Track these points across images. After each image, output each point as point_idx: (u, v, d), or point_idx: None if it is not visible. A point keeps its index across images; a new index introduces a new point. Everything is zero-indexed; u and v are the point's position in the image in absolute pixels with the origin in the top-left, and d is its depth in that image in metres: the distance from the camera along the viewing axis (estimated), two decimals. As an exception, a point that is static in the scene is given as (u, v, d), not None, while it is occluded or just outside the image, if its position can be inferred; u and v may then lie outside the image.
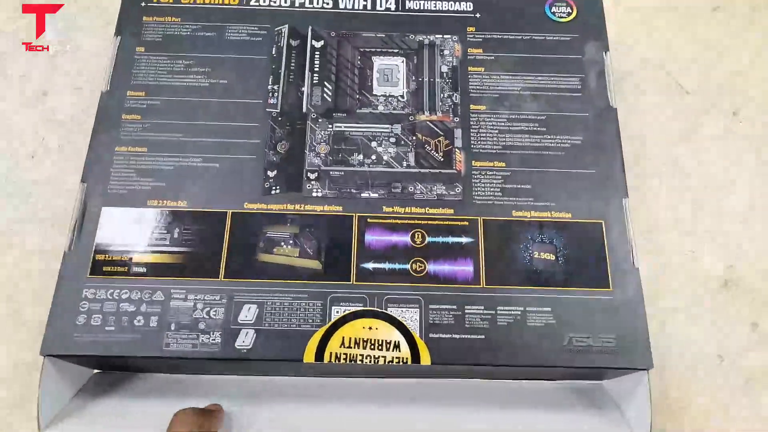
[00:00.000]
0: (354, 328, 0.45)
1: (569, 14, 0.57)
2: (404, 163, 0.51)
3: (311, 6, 0.57)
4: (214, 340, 0.45)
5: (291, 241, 0.48)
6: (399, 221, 0.49)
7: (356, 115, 0.53)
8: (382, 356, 0.45)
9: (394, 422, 0.47)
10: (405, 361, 0.44)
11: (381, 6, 0.58)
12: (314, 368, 0.46)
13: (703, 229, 0.59)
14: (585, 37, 0.56)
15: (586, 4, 0.58)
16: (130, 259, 0.47)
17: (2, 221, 0.57)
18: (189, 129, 0.51)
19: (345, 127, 0.53)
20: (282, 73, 0.54)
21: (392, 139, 0.52)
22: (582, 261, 0.48)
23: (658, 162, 0.62)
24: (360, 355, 0.45)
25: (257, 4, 0.57)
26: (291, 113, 0.53)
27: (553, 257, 0.48)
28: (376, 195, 0.50)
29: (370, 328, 0.45)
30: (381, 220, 0.49)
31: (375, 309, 0.46)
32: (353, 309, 0.46)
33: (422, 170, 0.51)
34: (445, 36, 0.56)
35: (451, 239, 0.49)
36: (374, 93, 0.54)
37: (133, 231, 0.48)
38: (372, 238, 0.48)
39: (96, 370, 0.50)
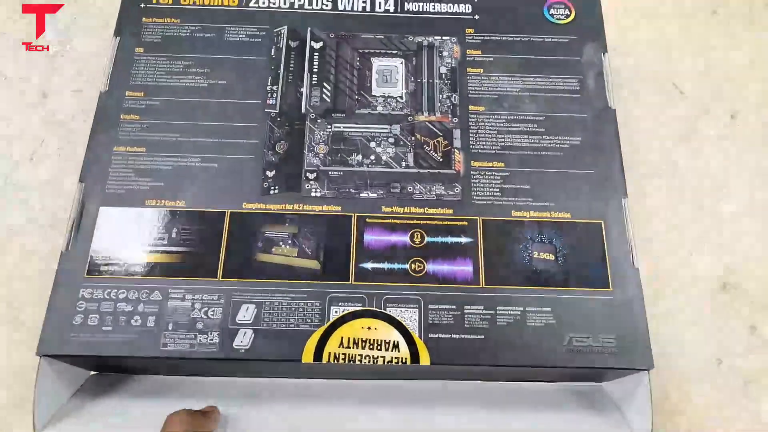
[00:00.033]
0: (353, 328, 0.45)
1: (567, 16, 0.58)
2: (403, 164, 0.51)
3: (310, 7, 0.58)
4: (212, 340, 0.44)
5: (290, 241, 0.48)
6: (398, 221, 0.49)
7: (355, 116, 0.53)
8: (381, 356, 0.44)
9: (394, 424, 0.46)
10: (404, 361, 0.44)
11: (380, 8, 0.58)
12: (313, 368, 0.46)
13: (701, 231, 0.59)
14: (583, 38, 0.56)
15: (585, 6, 0.58)
16: (128, 258, 0.47)
17: (1, 223, 0.57)
18: (188, 129, 0.51)
19: (344, 127, 0.53)
20: (281, 74, 0.54)
21: (391, 140, 0.52)
22: (581, 261, 0.48)
23: (656, 165, 0.62)
24: (359, 355, 0.44)
25: (256, 5, 0.57)
26: (290, 114, 0.53)
27: (552, 257, 0.48)
28: (375, 195, 0.50)
29: (369, 328, 0.45)
30: (380, 220, 0.49)
31: (374, 309, 0.46)
32: (352, 309, 0.46)
33: (421, 170, 0.51)
34: (444, 37, 0.57)
35: (450, 239, 0.48)
36: (373, 94, 0.54)
37: (131, 231, 0.48)
38: (371, 238, 0.48)
39: (93, 372, 0.49)
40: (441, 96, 0.54)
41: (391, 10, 0.58)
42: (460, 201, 0.50)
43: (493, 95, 0.54)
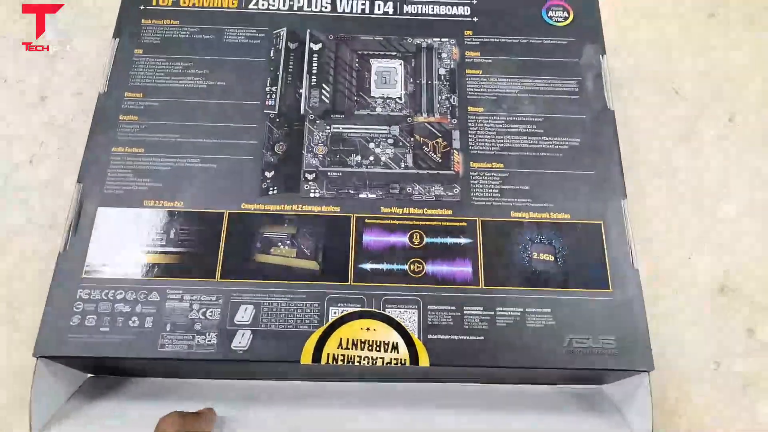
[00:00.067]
0: (352, 329, 0.45)
1: (566, 18, 0.58)
2: (402, 164, 0.51)
3: (309, 9, 0.58)
4: (210, 341, 0.44)
5: (288, 242, 0.48)
6: (397, 222, 0.49)
7: (354, 117, 0.53)
8: (381, 357, 0.44)
9: (393, 425, 0.46)
10: (403, 362, 0.44)
11: (379, 10, 0.58)
12: (312, 370, 0.45)
13: (699, 234, 0.59)
14: (582, 40, 0.57)
15: (583, 8, 0.58)
16: (126, 259, 0.46)
17: (1, 223, 0.57)
18: (186, 130, 0.51)
19: (343, 128, 0.53)
20: (280, 75, 0.54)
21: (390, 141, 0.52)
22: (581, 262, 0.48)
23: (655, 167, 0.62)
24: (358, 356, 0.44)
25: (255, 7, 0.57)
26: (289, 115, 0.53)
27: (552, 258, 0.48)
28: (374, 196, 0.50)
29: (368, 329, 0.45)
30: (379, 221, 0.49)
31: (373, 310, 0.46)
32: (351, 310, 0.46)
33: (420, 171, 0.51)
34: (443, 39, 0.57)
35: (449, 240, 0.48)
36: (372, 95, 0.54)
37: (129, 231, 0.47)
38: (370, 238, 0.48)
39: (90, 375, 0.49)
40: (440, 97, 0.54)
41: (390, 12, 0.58)
42: (459, 202, 0.50)
43: (492, 96, 0.54)
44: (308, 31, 0.56)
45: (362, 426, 0.46)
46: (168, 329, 0.44)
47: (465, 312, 0.46)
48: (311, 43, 0.56)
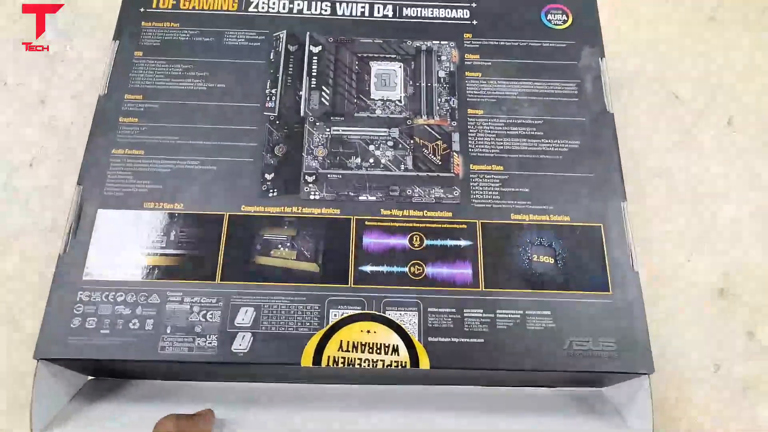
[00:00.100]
0: (352, 331, 0.45)
1: (565, 22, 0.58)
2: (402, 167, 0.51)
3: (309, 12, 0.58)
4: (210, 343, 0.44)
5: (288, 244, 0.48)
6: (397, 224, 0.49)
7: (354, 119, 0.53)
8: (381, 360, 0.44)
9: (393, 428, 0.46)
10: (404, 365, 0.44)
11: (378, 12, 0.58)
12: (312, 372, 0.45)
13: (698, 237, 0.59)
14: (581, 43, 0.57)
15: (582, 12, 0.58)
16: (126, 261, 0.46)
17: (1, 226, 0.57)
18: (186, 132, 0.51)
19: (343, 130, 0.53)
20: (280, 78, 0.54)
21: (390, 143, 0.52)
22: (581, 264, 0.48)
23: (653, 171, 0.62)
24: (358, 359, 0.44)
25: (255, 10, 0.57)
26: (289, 117, 0.53)
27: (552, 260, 0.48)
28: (374, 198, 0.50)
29: (369, 332, 0.45)
30: (379, 223, 0.49)
31: (373, 312, 0.46)
32: (351, 312, 0.46)
33: (420, 173, 0.51)
34: (442, 42, 0.57)
35: (449, 242, 0.48)
36: (372, 97, 0.54)
37: (129, 233, 0.47)
38: (370, 241, 0.48)
39: (91, 377, 0.49)
40: (440, 100, 0.54)
41: (390, 15, 0.58)
42: (459, 204, 0.50)
43: (491, 99, 0.54)
44: (308, 33, 0.56)
45: (362, 428, 0.46)
46: (168, 331, 0.44)
47: (465, 314, 0.46)
48: (311, 46, 0.56)
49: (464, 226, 0.49)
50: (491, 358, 0.45)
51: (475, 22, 0.58)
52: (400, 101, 0.54)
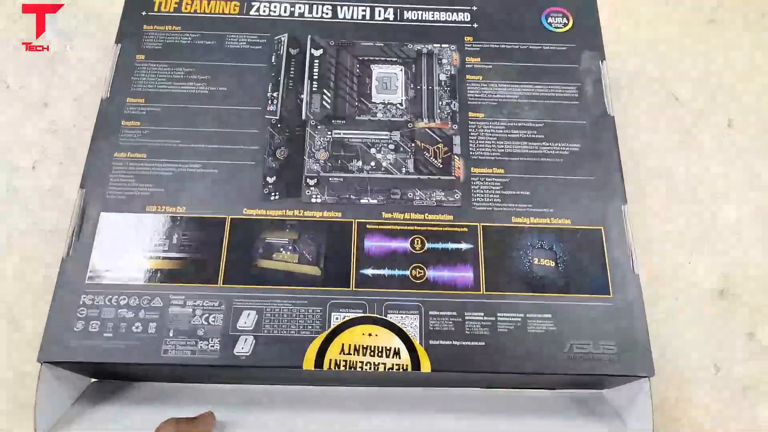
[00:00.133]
0: (354, 334, 0.45)
1: (565, 24, 0.58)
2: (403, 170, 0.52)
3: (310, 15, 0.58)
4: (212, 346, 0.44)
5: (290, 247, 0.48)
6: (398, 227, 0.49)
7: (355, 122, 0.53)
8: (382, 363, 0.44)
9: (395, 430, 0.46)
10: (405, 368, 0.44)
11: (379, 16, 0.58)
12: (314, 375, 0.46)
13: (698, 238, 0.59)
14: (581, 46, 0.57)
15: (582, 14, 0.58)
16: (129, 265, 0.47)
17: (3, 229, 0.57)
18: (188, 135, 0.52)
19: (344, 133, 0.53)
20: (281, 81, 0.54)
21: (391, 146, 0.53)
22: (582, 267, 0.48)
23: (653, 171, 0.62)
24: (360, 362, 0.44)
25: (257, 13, 0.58)
26: (290, 120, 0.53)
27: (552, 263, 0.48)
28: (375, 201, 0.50)
29: (370, 335, 0.45)
30: (380, 226, 0.49)
31: (375, 315, 0.46)
32: (353, 315, 0.46)
33: (421, 177, 0.51)
34: (443, 45, 0.57)
35: (450, 245, 0.49)
36: (373, 100, 0.54)
37: (131, 237, 0.48)
38: (371, 244, 0.48)
39: (94, 379, 0.49)
40: (441, 103, 0.54)
41: (391, 19, 0.58)
42: (460, 207, 0.50)
43: (492, 102, 0.54)
44: (309, 37, 0.57)
45: (363, 430, 0.46)
46: (171, 335, 0.44)
47: (466, 317, 0.46)
48: (312, 49, 0.56)
49: (465, 229, 0.49)
50: (492, 361, 0.45)
51: (475, 26, 0.58)
52: (401, 104, 0.54)
